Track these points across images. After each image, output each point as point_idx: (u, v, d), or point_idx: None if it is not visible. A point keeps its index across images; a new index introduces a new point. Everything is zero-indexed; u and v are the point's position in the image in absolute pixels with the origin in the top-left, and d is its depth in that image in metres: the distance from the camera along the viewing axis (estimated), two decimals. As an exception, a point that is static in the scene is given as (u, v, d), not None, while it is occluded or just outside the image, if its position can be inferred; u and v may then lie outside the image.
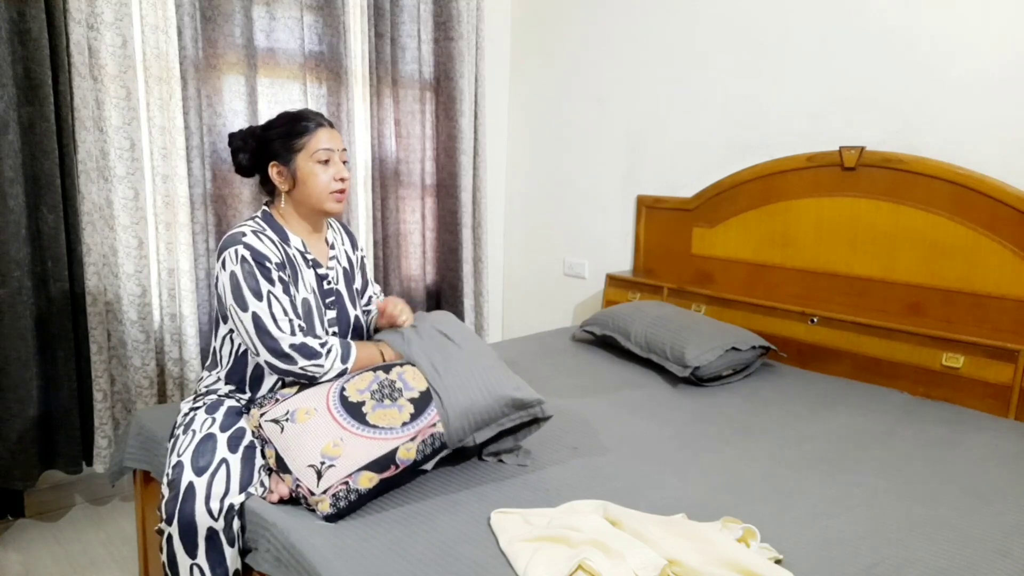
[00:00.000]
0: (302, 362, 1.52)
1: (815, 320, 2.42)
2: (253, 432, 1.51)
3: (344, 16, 2.90)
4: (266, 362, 1.53)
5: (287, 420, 1.45)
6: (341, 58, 2.91)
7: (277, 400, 1.50)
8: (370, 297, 1.93)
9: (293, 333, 1.53)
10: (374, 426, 1.45)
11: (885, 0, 2.33)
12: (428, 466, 1.58)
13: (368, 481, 1.40)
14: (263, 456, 1.51)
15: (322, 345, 1.55)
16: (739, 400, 2.15)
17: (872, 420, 1.98)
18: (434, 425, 1.49)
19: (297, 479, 1.39)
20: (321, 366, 1.54)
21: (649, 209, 3.11)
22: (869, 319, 2.30)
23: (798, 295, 2.61)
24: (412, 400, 1.51)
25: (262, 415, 1.48)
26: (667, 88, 3.01)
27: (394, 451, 1.43)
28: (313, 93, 2.91)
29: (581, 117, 3.38)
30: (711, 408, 2.08)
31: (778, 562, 1.27)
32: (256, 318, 1.51)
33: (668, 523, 1.35)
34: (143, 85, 2.47)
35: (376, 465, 1.41)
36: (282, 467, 1.42)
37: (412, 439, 1.46)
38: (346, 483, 1.38)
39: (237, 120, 2.70)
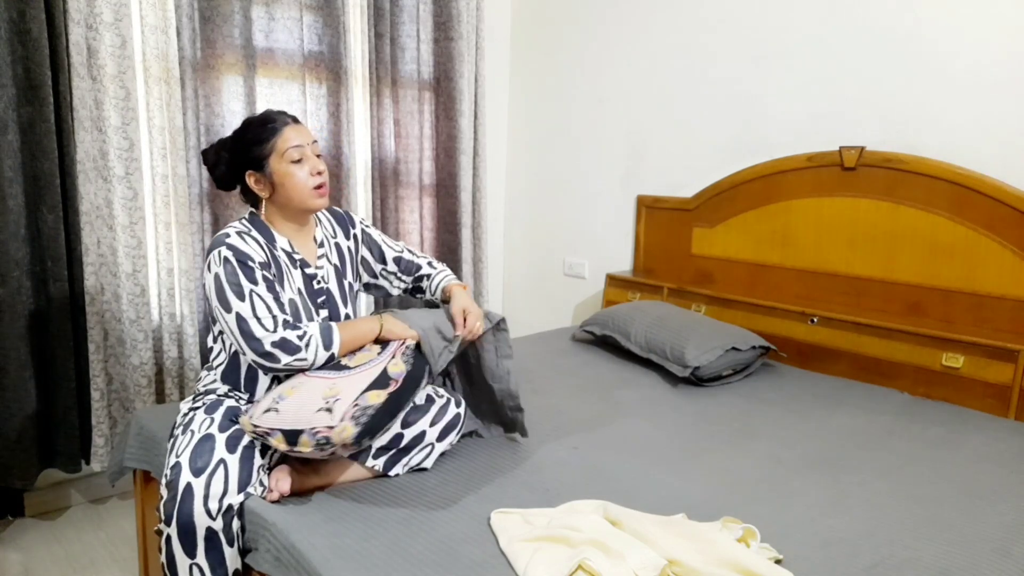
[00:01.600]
0: (285, 359, 1.52)
1: (815, 320, 2.42)
2: (252, 438, 1.50)
3: (344, 16, 2.90)
4: (253, 362, 1.53)
5: (278, 403, 1.46)
6: (341, 58, 2.91)
7: (257, 403, 1.52)
8: (397, 258, 1.87)
9: (275, 330, 1.52)
10: (356, 367, 1.54)
11: (885, 1, 2.34)
12: (429, 463, 1.58)
13: (376, 397, 1.45)
14: (262, 456, 1.51)
15: (300, 337, 1.53)
16: (739, 400, 2.15)
17: (872, 420, 1.98)
18: (404, 343, 1.62)
19: (312, 429, 1.39)
20: (304, 359, 1.53)
21: (649, 209, 3.11)
22: (869, 319, 2.30)
23: (798, 295, 2.61)
24: (375, 343, 1.64)
25: (251, 418, 1.47)
26: (667, 88, 3.01)
27: (385, 370, 1.52)
28: (312, 93, 2.91)
29: (581, 117, 3.38)
30: (711, 408, 2.08)
31: (778, 562, 1.27)
32: (239, 319, 1.51)
33: (668, 523, 1.35)
34: (142, 85, 2.47)
35: (377, 384, 1.48)
36: (293, 440, 1.40)
37: (393, 356, 1.57)
38: (357, 404, 1.42)
39: (235, 120, 2.70)
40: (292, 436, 1.40)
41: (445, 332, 1.67)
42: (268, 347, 1.51)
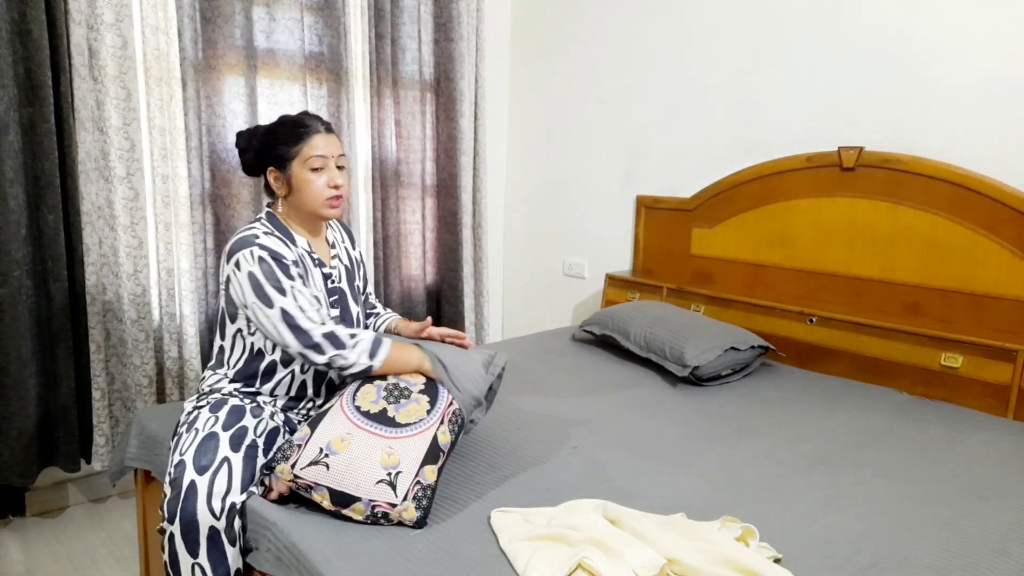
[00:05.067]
0: (330, 352, 1.52)
1: (814, 320, 2.43)
2: (290, 488, 1.44)
3: (344, 17, 2.91)
4: (299, 353, 1.52)
5: (327, 456, 1.40)
6: (341, 59, 2.92)
7: (299, 447, 1.43)
8: (366, 296, 1.95)
9: (323, 323, 1.54)
10: (407, 424, 1.47)
11: (884, 2, 2.34)
12: None
13: (432, 474, 1.42)
14: (265, 455, 1.51)
15: (352, 336, 1.54)
16: (738, 399, 2.15)
17: (871, 420, 1.99)
18: (451, 404, 1.54)
19: (371, 501, 1.36)
20: (346, 358, 1.53)
21: (648, 209, 3.12)
22: (868, 319, 2.30)
23: (797, 295, 2.62)
24: (422, 392, 1.54)
25: (293, 466, 1.41)
26: (667, 88, 3.02)
27: (435, 439, 1.46)
28: (313, 94, 2.91)
29: (581, 117, 3.38)
30: (710, 408, 2.08)
31: (777, 561, 1.28)
32: (284, 313, 1.51)
33: (667, 522, 1.36)
34: (143, 86, 2.47)
35: (430, 457, 1.44)
36: (344, 501, 1.37)
37: (442, 422, 1.50)
38: (418, 482, 1.39)
39: (236, 121, 2.70)
40: (343, 498, 1.37)
41: (477, 391, 1.62)
42: (317, 338, 1.51)
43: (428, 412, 1.50)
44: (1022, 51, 2.09)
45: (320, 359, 1.52)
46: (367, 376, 1.56)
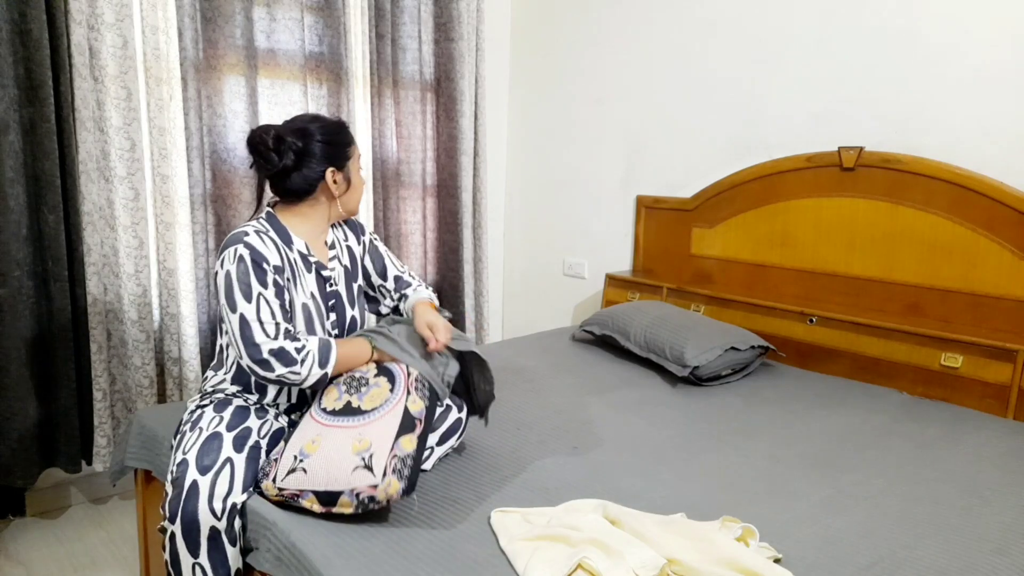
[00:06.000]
0: (279, 369, 1.50)
1: (814, 320, 2.43)
2: (281, 502, 1.44)
3: (345, 17, 2.91)
4: (247, 366, 1.51)
5: (302, 462, 1.41)
6: (341, 59, 2.92)
7: (275, 460, 1.47)
8: (397, 277, 1.87)
9: (276, 338, 1.50)
10: (373, 409, 1.48)
11: (884, 1, 2.34)
12: (428, 464, 1.59)
13: (409, 444, 1.42)
14: (267, 456, 1.52)
15: (298, 351, 1.51)
16: (738, 400, 2.15)
17: (871, 420, 1.99)
18: (410, 375, 1.56)
19: (353, 490, 1.35)
20: (298, 373, 1.51)
21: (649, 209, 3.12)
22: (868, 319, 2.30)
23: (797, 295, 2.62)
24: (378, 376, 1.56)
25: (274, 481, 1.42)
26: (667, 88, 3.02)
27: (406, 411, 1.47)
28: (313, 94, 2.91)
29: (581, 117, 3.39)
30: (710, 408, 2.08)
31: (777, 561, 1.28)
32: (242, 320, 1.50)
33: (667, 522, 1.36)
34: (143, 86, 2.47)
35: (404, 428, 1.44)
36: (330, 501, 1.37)
37: (408, 393, 1.51)
38: (395, 455, 1.39)
39: (237, 121, 2.70)
40: (328, 497, 1.37)
41: (435, 362, 1.65)
42: (265, 354, 1.49)
43: (391, 391, 1.52)
44: (1021, 50, 2.09)
45: (269, 375, 1.50)
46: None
